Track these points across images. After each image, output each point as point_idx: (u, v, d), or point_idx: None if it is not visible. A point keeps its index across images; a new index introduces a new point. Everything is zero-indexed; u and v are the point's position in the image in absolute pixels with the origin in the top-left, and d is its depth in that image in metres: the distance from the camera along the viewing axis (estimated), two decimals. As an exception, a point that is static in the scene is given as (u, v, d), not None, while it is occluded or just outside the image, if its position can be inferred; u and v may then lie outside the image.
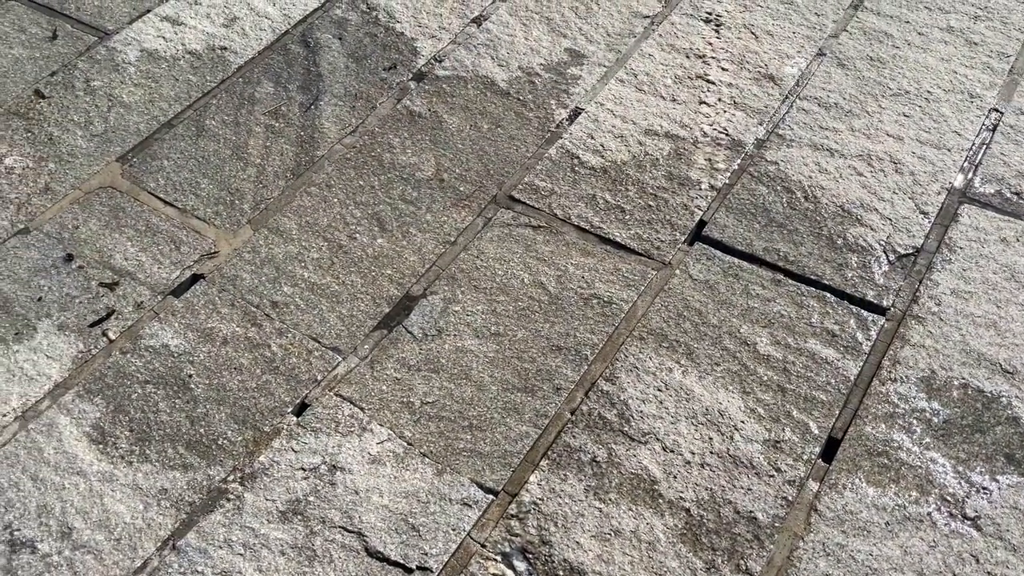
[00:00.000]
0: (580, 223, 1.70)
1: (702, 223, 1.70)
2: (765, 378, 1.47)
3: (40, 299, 1.60)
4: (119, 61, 2.04)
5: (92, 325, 1.55)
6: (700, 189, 1.75)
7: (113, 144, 1.87)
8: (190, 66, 2.03)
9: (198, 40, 2.09)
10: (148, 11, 2.17)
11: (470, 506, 1.34)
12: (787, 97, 1.91)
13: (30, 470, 1.37)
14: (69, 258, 1.66)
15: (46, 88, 1.99)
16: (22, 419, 1.44)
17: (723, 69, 1.97)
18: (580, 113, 1.91)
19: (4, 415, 1.44)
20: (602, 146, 1.83)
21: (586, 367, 1.49)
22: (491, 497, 1.35)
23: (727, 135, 1.84)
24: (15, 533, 1.31)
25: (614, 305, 1.57)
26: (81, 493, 1.35)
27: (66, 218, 1.73)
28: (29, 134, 1.89)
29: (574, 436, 1.41)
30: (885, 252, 1.63)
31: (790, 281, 1.60)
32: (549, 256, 1.65)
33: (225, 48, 2.07)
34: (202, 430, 1.42)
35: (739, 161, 1.79)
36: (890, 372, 1.47)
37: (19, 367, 1.50)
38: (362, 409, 1.45)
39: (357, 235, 1.70)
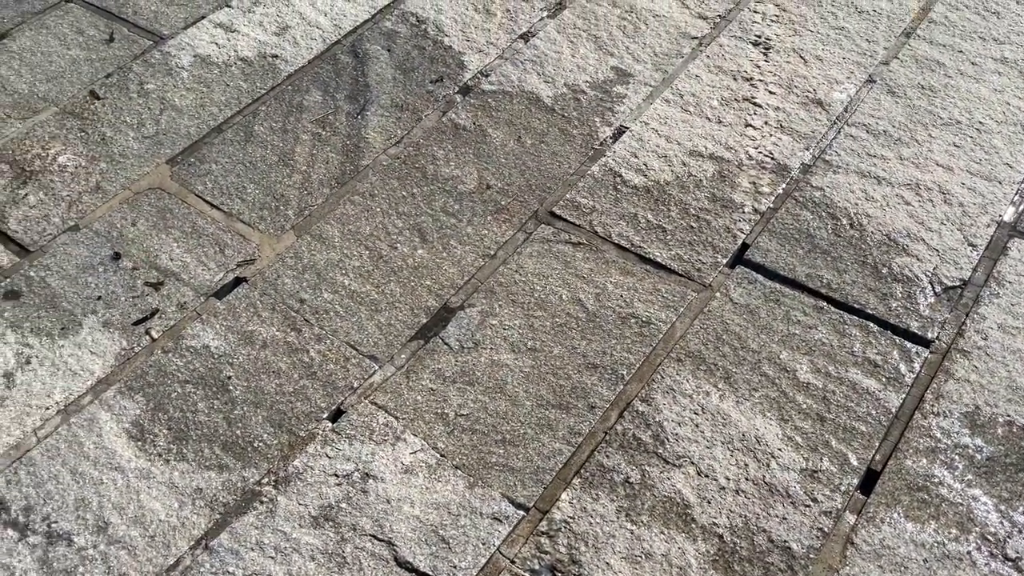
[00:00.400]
0: (621, 241, 1.70)
1: (744, 246, 1.68)
2: (804, 406, 1.45)
3: (86, 296, 1.63)
4: (173, 65, 2.09)
5: (136, 323, 1.58)
6: (743, 212, 1.73)
7: (164, 146, 1.91)
8: (241, 72, 2.07)
9: (250, 47, 2.13)
10: (203, 17, 2.22)
11: (500, 521, 1.33)
12: (835, 123, 1.89)
13: (70, 464, 1.40)
14: (116, 256, 1.69)
15: (101, 89, 2.03)
16: (64, 413, 1.46)
17: (770, 92, 1.95)
18: (624, 131, 1.90)
19: (47, 408, 1.47)
20: (645, 165, 1.83)
21: (622, 387, 1.48)
22: (522, 513, 1.34)
23: (772, 159, 1.82)
24: (52, 525, 1.33)
25: (652, 325, 1.56)
26: (118, 489, 1.37)
27: (115, 217, 1.77)
28: (83, 134, 1.93)
29: (608, 456, 1.40)
30: (931, 283, 1.60)
31: (833, 309, 1.57)
32: (588, 273, 1.65)
33: (276, 56, 2.11)
34: (239, 432, 1.44)
35: (784, 185, 1.78)
36: (933, 406, 1.44)
37: (63, 361, 1.53)
38: (396, 418, 1.45)
39: (398, 245, 1.71)
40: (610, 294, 1.61)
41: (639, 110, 1.95)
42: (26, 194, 1.80)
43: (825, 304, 1.58)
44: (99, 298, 1.62)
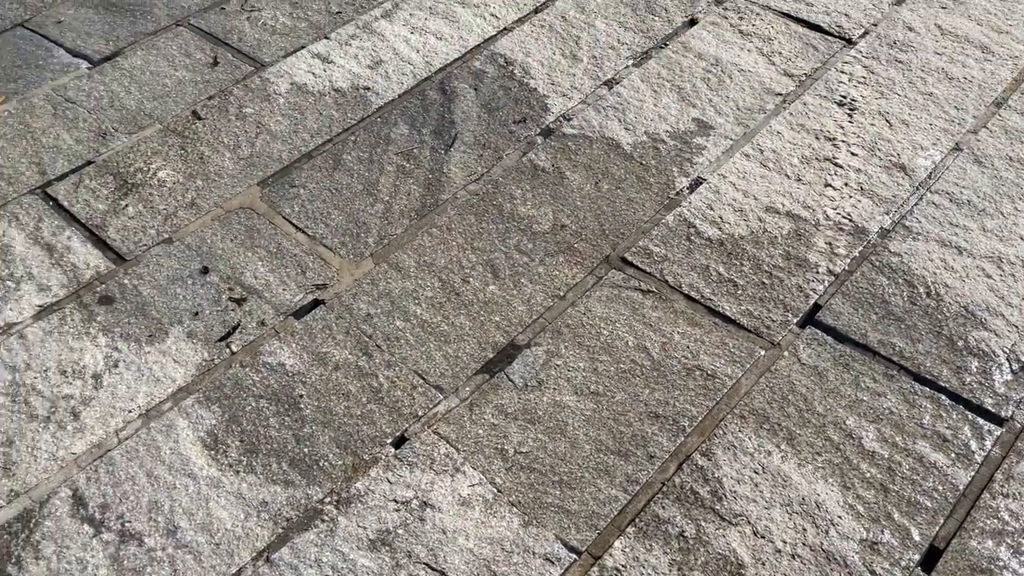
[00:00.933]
0: (691, 292, 1.71)
1: (816, 307, 1.67)
2: (868, 475, 1.42)
3: (174, 306, 1.71)
4: (271, 91, 2.19)
5: (220, 340, 1.65)
6: (817, 272, 1.72)
7: (256, 168, 2.00)
8: (334, 102, 2.16)
9: (344, 79, 2.22)
10: (302, 47, 2.32)
11: (552, 563, 1.34)
12: (917, 189, 1.87)
13: (146, 466, 1.47)
14: (205, 271, 1.78)
15: (203, 110, 2.15)
16: (145, 417, 1.54)
17: (852, 154, 1.95)
18: (701, 183, 1.92)
19: (129, 411, 1.54)
20: (720, 218, 1.84)
21: (683, 438, 1.49)
22: (574, 556, 1.35)
23: (850, 221, 1.81)
24: (126, 524, 1.39)
25: (717, 379, 1.56)
26: (189, 495, 1.43)
27: (206, 233, 1.86)
28: (183, 151, 2.04)
29: (664, 507, 1.40)
30: (1009, 360, 1.56)
31: (904, 378, 1.55)
32: (656, 322, 1.66)
33: (368, 88, 2.19)
34: (306, 449, 1.49)
35: (861, 248, 1.76)
36: (1002, 486, 1.40)
37: (148, 367, 1.61)
38: (457, 450, 1.48)
39: (471, 279, 1.76)
40: (676, 344, 1.62)
41: (718, 163, 1.97)
42: (126, 205, 1.91)
43: (896, 372, 1.56)
44: (186, 309, 1.70)
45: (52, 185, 1.96)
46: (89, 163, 2.01)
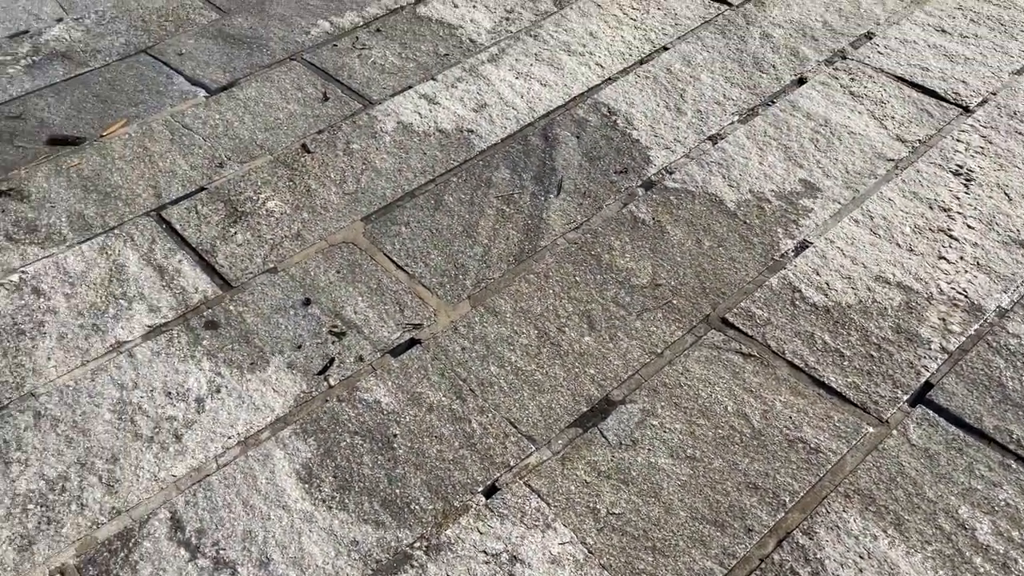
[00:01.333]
0: (794, 360, 1.66)
1: (928, 385, 1.60)
2: (982, 570, 1.35)
3: (276, 335, 1.75)
4: (377, 129, 2.24)
5: (318, 373, 1.68)
6: (929, 349, 1.66)
7: (361, 204, 2.04)
8: (438, 143, 2.20)
9: (449, 120, 2.26)
10: (409, 87, 2.38)
11: (643, 632, 1.30)
12: (1038, 267, 1.79)
13: (243, 494, 1.49)
14: (307, 302, 1.81)
15: (312, 144, 2.21)
16: (243, 444, 1.57)
17: (969, 227, 1.88)
18: (807, 247, 1.88)
19: (229, 438, 1.57)
20: (827, 284, 1.79)
21: (783, 514, 1.43)
22: (665, 628, 1.31)
23: (966, 297, 1.74)
24: (221, 552, 1.41)
25: (821, 454, 1.51)
26: (283, 527, 1.44)
27: (310, 265, 1.90)
28: (291, 183, 2.10)
29: (761, 584, 1.35)
30: None
31: (1021, 469, 1.47)
32: (757, 388, 1.62)
33: (472, 131, 2.22)
34: (398, 491, 1.49)
35: (976, 327, 1.69)
36: None
37: (248, 395, 1.64)
38: (548, 504, 1.46)
39: (566, 329, 1.75)
40: (778, 413, 1.57)
41: (825, 227, 1.92)
42: (235, 232, 1.97)
43: (1014, 462, 1.48)
44: (287, 339, 1.74)
45: (166, 208, 2.03)
46: (202, 189, 2.08)
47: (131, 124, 2.28)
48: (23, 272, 1.88)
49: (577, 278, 1.85)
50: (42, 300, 1.81)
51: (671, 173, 2.08)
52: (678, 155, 2.13)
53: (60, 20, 2.69)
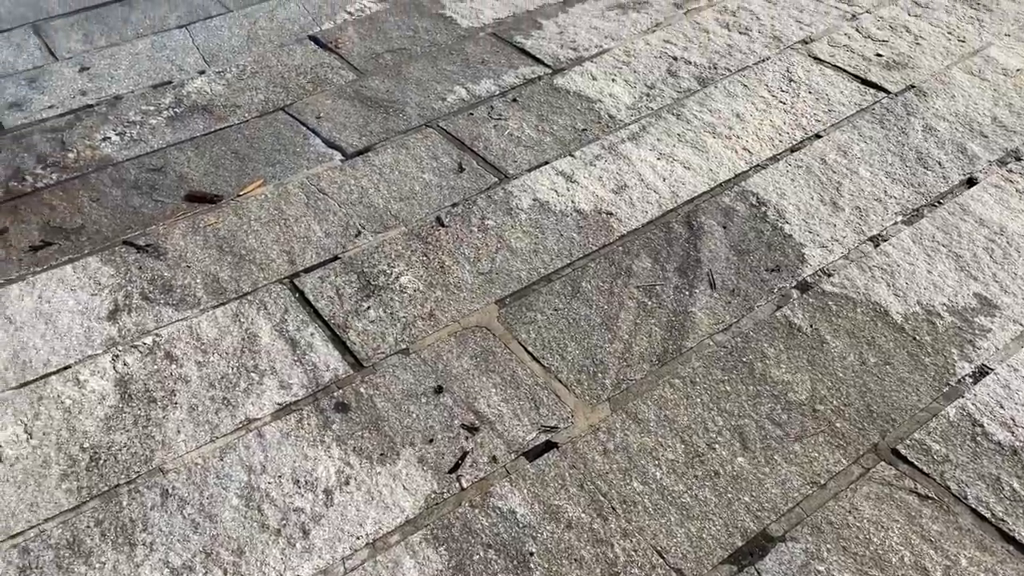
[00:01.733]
0: (978, 507, 1.48)
1: None
2: None
3: (407, 424, 1.67)
4: (513, 206, 2.17)
5: (450, 471, 1.58)
6: None
7: (495, 285, 1.96)
8: (575, 224, 2.11)
9: (587, 200, 2.17)
10: (546, 163, 2.30)
11: None
12: None
13: (370, 604, 1.39)
14: (439, 390, 1.73)
15: (446, 217, 2.15)
16: (372, 547, 1.48)
17: None
18: (987, 373, 1.70)
19: (357, 538, 1.49)
20: (1013, 420, 1.61)
21: None
22: None
23: None
24: (346, 669, 1.32)
25: (1018, 628, 1.32)
26: (412, 649, 1.34)
27: (442, 348, 1.82)
28: (425, 258, 2.04)
29: None
30: None
31: None
32: (936, 537, 1.45)
33: (611, 214, 2.13)
34: (535, 620, 1.37)
35: None
36: None
37: (378, 490, 1.56)
38: (700, 654, 1.32)
39: (716, 446, 1.61)
40: (963, 571, 1.40)
41: (1006, 351, 1.74)
42: (368, 308, 1.91)
43: None
44: (418, 431, 1.65)
45: (300, 276, 2.00)
46: (336, 258, 2.04)
47: (268, 184, 2.27)
48: (157, 335, 1.86)
49: (727, 388, 1.71)
50: (174, 366, 1.79)
51: (829, 275, 1.93)
52: (836, 256, 1.98)
53: (202, 72, 2.74)
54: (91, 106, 2.59)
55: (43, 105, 2.60)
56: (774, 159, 2.27)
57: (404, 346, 1.83)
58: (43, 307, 1.92)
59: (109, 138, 2.45)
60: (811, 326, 1.82)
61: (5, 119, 2.55)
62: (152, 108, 2.58)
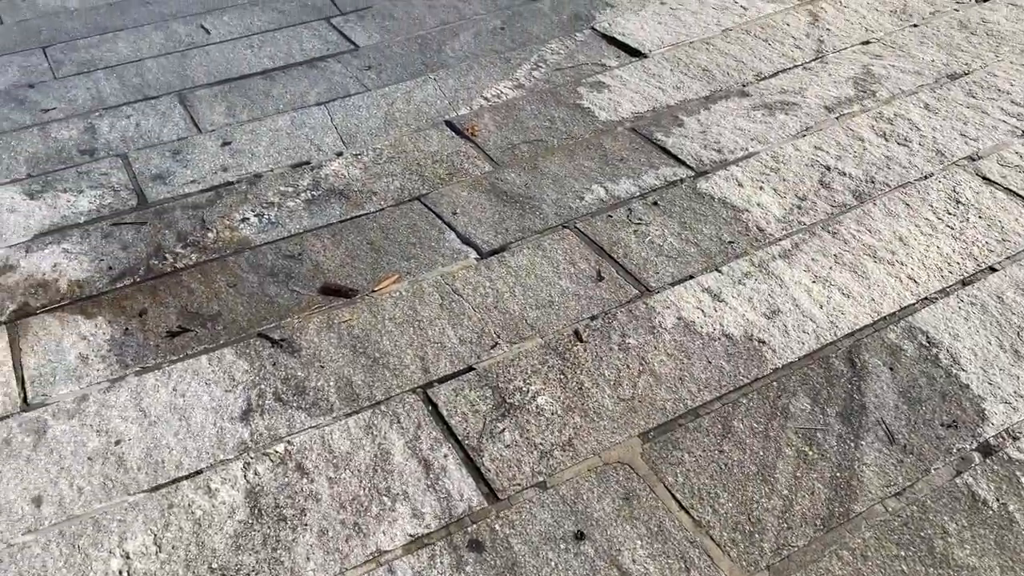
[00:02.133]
0: None
1: None
2: None
3: (546, 575, 1.55)
4: (656, 324, 2.05)
5: (597, 639, 1.45)
6: None
7: (638, 415, 1.84)
8: (724, 351, 1.97)
9: (736, 324, 2.04)
10: (691, 277, 2.18)
11: None
12: None
13: None
14: (580, 536, 1.61)
15: (585, 331, 2.05)
16: None
17: None
18: None
19: None
20: None
21: None
22: None
23: None
24: None
25: None
26: None
27: (582, 485, 1.70)
28: (562, 376, 1.93)
29: None
30: None
31: None
32: None
33: (763, 342, 1.99)
34: None
35: None
36: None
37: (515, 651, 1.44)
38: None
39: (893, 637, 1.43)
40: None
41: None
42: (503, 429, 1.82)
43: None
44: (558, 583, 1.53)
45: (433, 387, 1.92)
46: (470, 369, 1.96)
47: (402, 281, 2.22)
48: (289, 443, 1.80)
49: (904, 567, 1.53)
50: (305, 481, 1.72)
51: (1016, 439, 1.74)
52: (1022, 415, 1.78)
53: (340, 154, 2.74)
54: (232, 183, 2.62)
55: (186, 179, 2.64)
56: (944, 292, 2.09)
57: (542, 479, 1.72)
58: (177, 401, 1.90)
59: (248, 219, 2.46)
60: (998, 500, 1.63)
61: (149, 192, 2.60)
62: (291, 189, 2.58)
